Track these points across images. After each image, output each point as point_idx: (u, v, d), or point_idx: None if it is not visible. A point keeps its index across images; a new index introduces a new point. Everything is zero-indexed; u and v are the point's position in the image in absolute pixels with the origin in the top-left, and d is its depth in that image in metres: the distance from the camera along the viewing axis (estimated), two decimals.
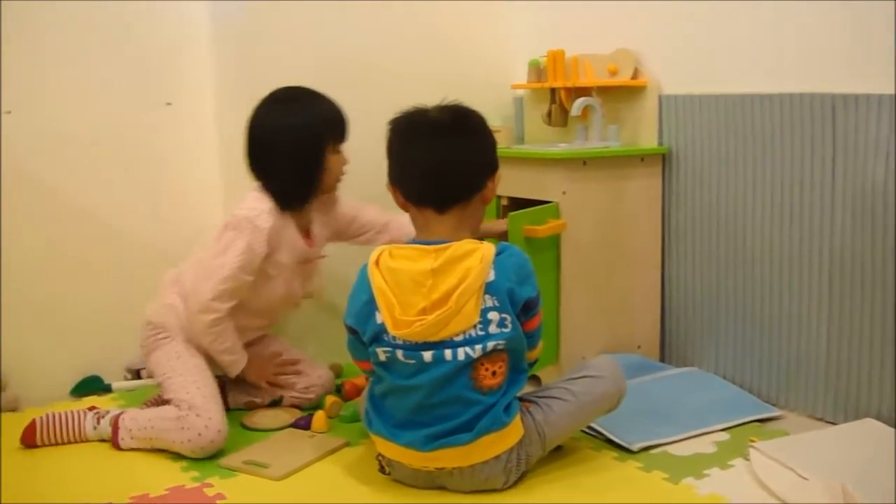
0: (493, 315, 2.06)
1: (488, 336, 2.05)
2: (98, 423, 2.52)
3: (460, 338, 2.05)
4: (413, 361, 2.07)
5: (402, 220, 2.68)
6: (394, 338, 2.07)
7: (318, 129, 2.56)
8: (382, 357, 2.10)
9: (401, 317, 2.04)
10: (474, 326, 2.05)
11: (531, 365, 2.27)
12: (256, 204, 2.55)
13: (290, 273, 2.65)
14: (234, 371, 2.64)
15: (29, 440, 2.49)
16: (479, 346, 2.05)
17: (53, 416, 2.52)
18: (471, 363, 2.05)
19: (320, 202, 2.70)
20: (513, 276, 2.08)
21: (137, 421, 2.47)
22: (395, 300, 2.06)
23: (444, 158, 2.17)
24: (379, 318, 2.08)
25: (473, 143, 2.23)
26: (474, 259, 2.05)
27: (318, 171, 2.58)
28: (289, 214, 2.60)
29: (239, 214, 2.53)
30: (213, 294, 2.50)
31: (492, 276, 2.05)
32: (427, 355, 2.05)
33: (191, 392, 2.46)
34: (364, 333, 2.13)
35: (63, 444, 2.51)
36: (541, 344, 2.25)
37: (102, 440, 2.52)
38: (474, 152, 2.22)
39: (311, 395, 2.75)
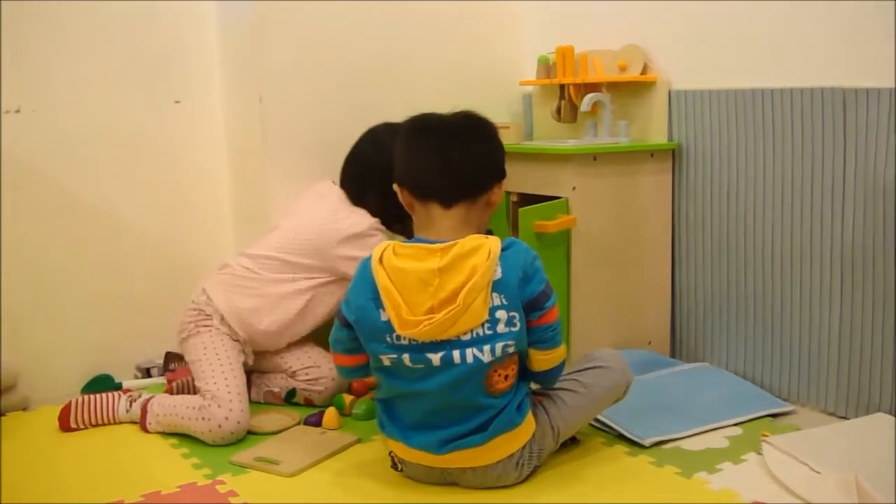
0: (500, 314, 2.04)
1: (496, 336, 2.03)
2: (130, 406, 2.62)
3: (468, 337, 2.02)
4: (421, 366, 2.05)
5: None
6: (398, 338, 2.05)
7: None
8: (387, 362, 2.08)
9: (408, 317, 2.01)
10: (482, 325, 2.02)
11: (550, 376, 2.21)
12: (360, 219, 2.74)
13: None
14: None
15: (64, 422, 2.59)
16: (487, 347, 2.03)
17: (89, 399, 2.61)
18: (483, 369, 2.03)
19: None
20: (519, 271, 2.05)
21: (164, 406, 2.57)
22: (402, 300, 2.03)
23: (455, 154, 2.16)
24: (384, 315, 2.06)
25: (485, 146, 2.22)
26: (481, 256, 2.02)
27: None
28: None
29: (359, 230, 2.71)
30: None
31: (499, 274, 2.03)
32: (435, 358, 2.03)
33: (218, 383, 2.54)
34: (362, 330, 2.11)
35: (96, 425, 2.60)
36: (561, 351, 2.18)
37: (133, 422, 2.61)
38: (485, 154, 2.21)
39: (320, 388, 2.76)
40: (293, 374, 2.77)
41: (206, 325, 2.68)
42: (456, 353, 2.02)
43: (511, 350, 2.05)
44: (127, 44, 2.95)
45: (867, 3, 2.37)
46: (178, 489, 2.19)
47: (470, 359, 2.02)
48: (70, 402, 2.60)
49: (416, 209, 2.20)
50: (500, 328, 2.03)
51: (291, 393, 2.77)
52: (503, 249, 2.05)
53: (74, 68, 2.87)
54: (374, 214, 2.75)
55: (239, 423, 2.47)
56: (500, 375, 2.05)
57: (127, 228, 2.99)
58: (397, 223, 2.75)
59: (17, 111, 2.78)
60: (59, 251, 2.87)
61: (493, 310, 2.03)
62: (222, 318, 2.68)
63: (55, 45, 2.83)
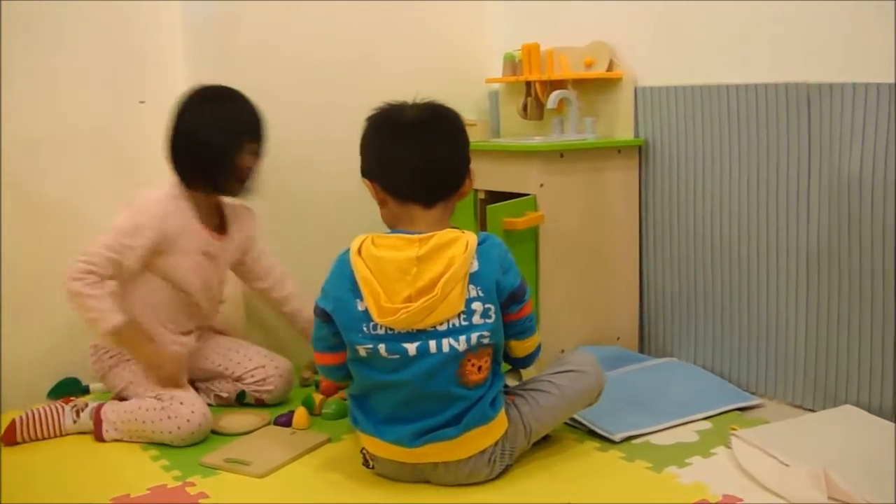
0: (476, 305, 2.07)
1: (472, 327, 2.06)
2: (78, 416, 2.54)
3: (444, 327, 2.05)
4: (397, 356, 2.06)
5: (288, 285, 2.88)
6: (375, 327, 2.06)
7: (237, 126, 2.62)
8: (363, 353, 2.09)
9: (386, 304, 2.04)
10: (458, 316, 2.05)
11: (529, 360, 2.29)
12: (153, 193, 2.62)
13: (197, 264, 2.66)
14: (109, 329, 2.52)
15: (9, 439, 2.50)
16: (462, 338, 2.05)
17: (32, 414, 2.53)
18: (457, 358, 2.06)
19: (234, 208, 2.77)
20: (497, 265, 2.10)
21: (120, 413, 2.50)
22: (380, 288, 2.05)
23: (433, 157, 2.17)
24: (361, 305, 2.07)
25: (456, 141, 2.24)
26: (458, 248, 2.05)
27: (229, 162, 2.61)
28: (192, 202, 2.63)
29: (133, 201, 2.59)
30: (83, 257, 2.51)
31: (476, 266, 2.07)
32: (411, 348, 2.05)
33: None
34: (339, 319, 2.11)
35: (43, 439, 2.52)
36: (537, 336, 2.27)
37: (82, 433, 2.54)
38: (457, 150, 2.23)
39: (270, 387, 2.73)
40: (239, 379, 2.74)
41: (116, 357, 2.65)
42: (432, 343, 2.05)
43: (486, 341, 2.07)
44: (92, 43, 2.91)
45: None
46: (149, 491, 2.18)
47: (446, 348, 2.05)
48: (13, 421, 2.51)
49: (389, 205, 2.21)
50: (476, 319, 2.07)
51: (241, 395, 2.74)
52: (479, 244, 2.09)
53: (39, 69, 2.83)
54: (188, 181, 2.63)
55: (205, 416, 2.46)
56: (473, 366, 2.07)
57: (92, 229, 2.95)
58: (203, 181, 2.65)
59: None
60: (23, 252, 2.84)
61: (469, 301, 2.06)
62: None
63: (18, 46, 2.80)
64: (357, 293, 2.07)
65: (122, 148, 3.00)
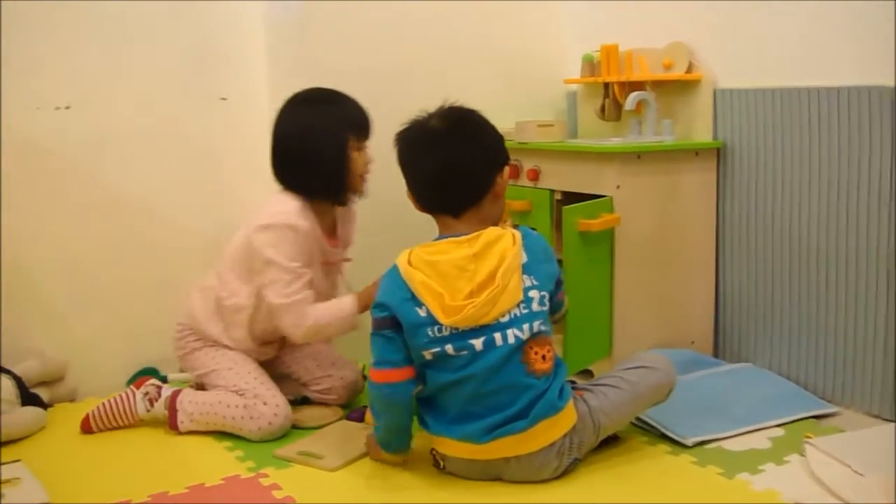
0: (534, 293, 2.14)
1: (532, 314, 2.12)
2: (151, 405, 2.57)
3: (506, 318, 2.10)
4: (465, 352, 2.09)
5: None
6: (440, 329, 2.09)
7: (340, 126, 2.57)
8: (429, 357, 2.12)
9: (451, 303, 2.07)
10: (518, 305, 2.11)
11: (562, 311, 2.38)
12: (284, 207, 2.53)
13: (320, 272, 2.66)
14: (354, 310, 2.54)
15: (86, 429, 2.56)
16: (526, 326, 2.11)
17: (104, 405, 2.57)
18: (521, 346, 2.09)
19: (342, 210, 2.73)
20: (542, 255, 2.21)
21: (199, 405, 2.52)
22: (442, 289, 2.09)
23: (444, 167, 2.22)
24: (422, 311, 2.10)
25: (473, 146, 2.25)
26: (506, 242, 2.14)
27: (342, 167, 2.57)
28: (314, 213, 2.58)
29: (273, 222, 2.50)
30: (283, 301, 2.48)
31: (525, 258, 2.15)
32: (478, 343, 2.08)
33: (249, 382, 2.54)
34: (404, 328, 2.12)
35: (118, 427, 2.57)
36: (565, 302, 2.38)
37: (157, 420, 2.58)
38: (474, 155, 2.24)
39: (334, 397, 2.71)
40: (305, 384, 2.74)
41: (200, 339, 2.66)
42: (497, 336, 2.09)
43: (544, 328, 2.14)
44: (174, 41, 2.98)
45: None
46: (222, 481, 2.22)
47: (511, 339, 2.10)
48: (88, 415, 2.55)
49: (432, 215, 2.28)
50: (535, 307, 2.14)
51: (304, 400, 2.74)
52: (523, 238, 2.17)
53: (122, 65, 2.90)
54: (303, 192, 2.57)
55: (287, 417, 2.49)
56: (537, 354, 2.12)
57: (172, 224, 3.02)
58: (324, 194, 2.61)
59: (67, 108, 2.81)
60: (108, 247, 2.90)
61: (526, 290, 2.13)
62: (214, 340, 2.65)
63: (102, 42, 2.86)
64: (415, 301, 2.11)
65: (204, 144, 3.06)
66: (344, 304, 2.54)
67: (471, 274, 2.10)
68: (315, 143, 2.54)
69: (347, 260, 2.79)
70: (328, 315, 2.52)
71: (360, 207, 2.75)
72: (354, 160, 2.59)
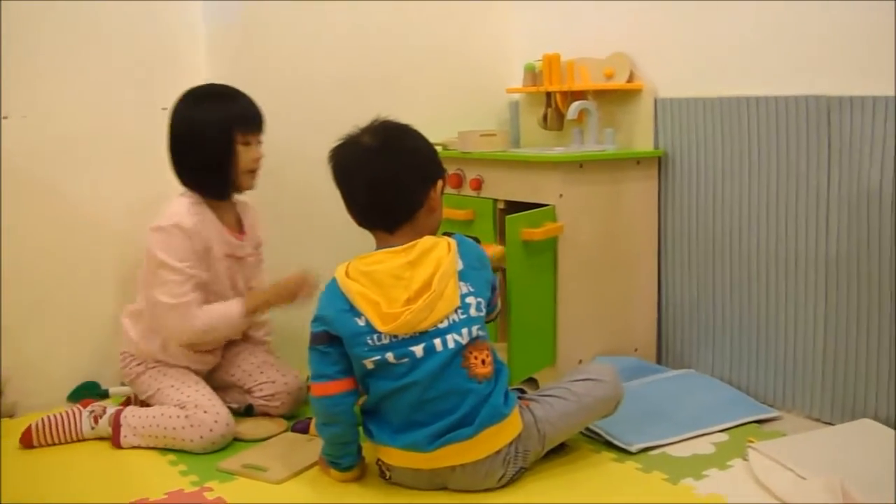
0: (471, 300, 2.16)
1: (470, 319, 2.14)
2: (96, 422, 2.54)
3: (445, 324, 2.11)
4: (406, 360, 2.09)
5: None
6: (379, 338, 2.09)
7: (225, 121, 2.60)
8: (370, 366, 2.11)
9: (388, 310, 2.08)
10: (456, 311, 2.12)
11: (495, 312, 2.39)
12: (176, 208, 2.59)
13: (227, 268, 2.68)
14: (241, 313, 2.60)
15: (27, 443, 2.52)
16: (465, 330, 2.12)
17: (49, 420, 2.54)
18: (461, 351, 2.10)
19: (241, 204, 2.77)
20: (477, 263, 2.22)
21: (142, 418, 2.50)
22: (378, 298, 2.10)
23: (375, 185, 2.22)
24: (361, 321, 2.10)
25: (403, 163, 2.24)
26: (441, 249, 2.16)
27: (227, 162, 2.61)
28: (211, 209, 2.64)
29: (163, 224, 2.55)
30: (169, 300, 2.52)
31: (461, 265, 2.17)
32: (418, 350, 2.09)
33: (191, 394, 2.53)
34: (343, 337, 2.12)
35: (60, 444, 2.53)
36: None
37: (101, 438, 2.54)
38: (405, 171, 2.23)
39: (277, 403, 2.69)
40: (248, 391, 2.73)
41: (142, 363, 2.66)
42: (437, 342, 2.10)
43: (482, 333, 2.16)
44: (115, 49, 2.94)
45: (854, 11, 2.39)
46: (166, 496, 2.19)
47: (451, 344, 2.11)
48: (30, 425, 2.52)
49: (369, 230, 2.29)
50: (472, 312, 2.16)
51: (249, 409, 2.72)
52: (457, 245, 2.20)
53: (62, 73, 2.86)
54: (197, 189, 2.64)
55: (228, 425, 2.47)
56: (476, 359, 2.13)
57: (115, 234, 2.97)
58: (212, 189, 2.67)
59: (5, 118, 2.77)
60: (48, 257, 2.85)
61: (463, 297, 2.15)
62: (156, 360, 2.65)
63: (42, 49, 2.82)
64: (353, 312, 2.11)
65: (146, 154, 3.01)
66: (232, 307, 2.59)
67: (407, 282, 2.11)
68: (200, 138, 2.60)
69: (257, 256, 2.82)
70: (216, 317, 2.58)
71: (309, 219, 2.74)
72: (240, 155, 2.61)
